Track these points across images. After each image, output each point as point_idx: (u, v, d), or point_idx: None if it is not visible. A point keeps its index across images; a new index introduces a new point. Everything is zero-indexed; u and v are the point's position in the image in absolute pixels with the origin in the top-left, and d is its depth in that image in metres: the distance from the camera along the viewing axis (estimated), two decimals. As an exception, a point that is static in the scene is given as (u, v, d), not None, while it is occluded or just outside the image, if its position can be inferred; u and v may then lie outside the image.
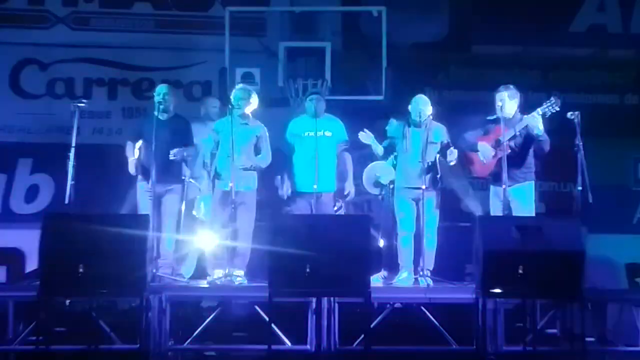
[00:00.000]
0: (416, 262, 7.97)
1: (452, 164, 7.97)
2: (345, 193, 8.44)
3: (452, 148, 7.90)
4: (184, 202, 8.27)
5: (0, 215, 10.06)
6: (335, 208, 8.55)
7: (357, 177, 8.64)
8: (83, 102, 8.16)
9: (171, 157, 7.88)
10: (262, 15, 10.21)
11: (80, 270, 6.46)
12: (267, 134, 8.08)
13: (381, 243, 8.45)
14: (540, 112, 7.70)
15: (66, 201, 7.74)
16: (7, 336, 7.29)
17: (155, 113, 8.07)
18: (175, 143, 8.01)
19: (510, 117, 7.83)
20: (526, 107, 7.92)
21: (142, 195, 8.06)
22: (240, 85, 8.38)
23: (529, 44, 10.26)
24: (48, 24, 10.28)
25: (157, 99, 8.10)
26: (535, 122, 7.68)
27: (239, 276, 7.80)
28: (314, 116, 8.12)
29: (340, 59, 9.66)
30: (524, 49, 10.30)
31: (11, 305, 7.34)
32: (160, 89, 8.18)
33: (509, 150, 7.75)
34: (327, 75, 9.35)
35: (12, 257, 9.56)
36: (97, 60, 10.26)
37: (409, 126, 8.09)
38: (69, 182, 7.75)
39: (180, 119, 8.26)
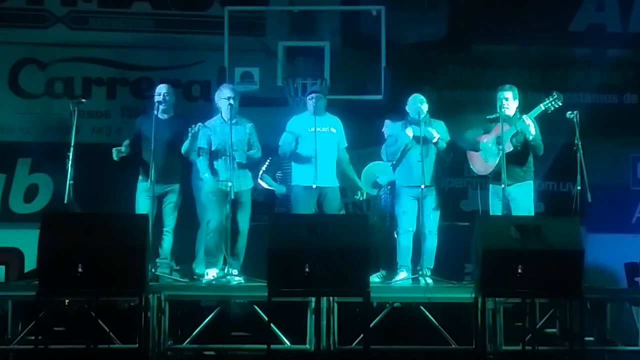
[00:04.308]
0: (416, 261, 7.98)
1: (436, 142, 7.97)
2: (361, 194, 8.43)
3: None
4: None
5: (-1, 215, 10.07)
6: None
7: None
8: (82, 100, 8.17)
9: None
10: (262, 14, 10.19)
11: (79, 269, 6.46)
12: (255, 129, 8.10)
13: None
14: (531, 118, 7.71)
15: (65, 201, 7.75)
16: (6, 336, 7.29)
17: (155, 112, 8.09)
18: (176, 143, 8.02)
19: (511, 116, 7.85)
20: (525, 107, 7.93)
21: (141, 195, 8.08)
22: (227, 84, 8.38)
23: (528, 43, 10.25)
24: (47, 24, 10.27)
25: (157, 98, 8.12)
26: (526, 126, 7.68)
27: (236, 275, 7.82)
28: (315, 114, 8.12)
29: (339, 59, 9.64)
30: (523, 49, 10.29)
31: (10, 305, 7.35)
32: (161, 89, 8.19)
33: (511, 148, 7.76)
34: (326, 75, 9.34)
35: (11, 256, 9.57)
36: (96, 60, 10.24)
37: (408, 125, 8.11)
38: (68, 181, 7.77)
39: (181, 119, 8.26)
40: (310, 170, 7.99)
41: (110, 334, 7.04)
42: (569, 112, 7.78)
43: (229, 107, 7.91)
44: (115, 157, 8.06)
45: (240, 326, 7.63)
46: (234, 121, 7.96)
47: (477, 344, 7.03)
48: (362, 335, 6.90)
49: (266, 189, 8.76)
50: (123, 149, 8.08)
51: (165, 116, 8.14)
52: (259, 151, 8.12)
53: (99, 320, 6.97)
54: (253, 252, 7.91)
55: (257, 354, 7.13)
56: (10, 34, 10.20)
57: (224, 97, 7.99)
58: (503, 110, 7.82)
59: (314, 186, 7.96)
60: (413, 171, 7.99)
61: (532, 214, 7.95)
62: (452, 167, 8.61)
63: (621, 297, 7.83)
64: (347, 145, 8.33)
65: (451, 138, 8.10)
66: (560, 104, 7.78)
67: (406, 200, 8.04)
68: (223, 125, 7.96)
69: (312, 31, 9.99)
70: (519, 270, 6.57)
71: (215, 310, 7.32)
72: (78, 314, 7.23)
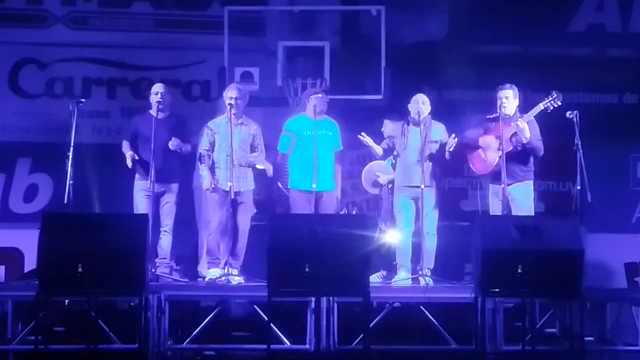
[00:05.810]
0: (416, 261, 7.98)
1: (450, 149, 7.95)
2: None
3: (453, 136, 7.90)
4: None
5: (-1, 215, 10.06)
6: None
7: (356, 177, 8.65)
8: (82, 101, 8.18)
9: (171, 147, 7.91)
10: (261, 14, 10.19)
11: (79, 269, 6.46)
12: (260, 131, 8.10)
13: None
14: (527, 119, 7.73)
15: (65, 201, 7.75)
16: (6, 336, 7.29)
17: (153, 112, 8.10)
18: (174, 142, 8.04)
19: (511, 115, 7.85)
20: (525, 107, 7.93)
21: (139, 194, 8.08)
22: (234, 85, 8.39)
23: (528, 43, 10.26)
24: (47, 24, 10.27)
25: (156, 98, 8.13)
26: (522, 129, 7.68)
27: (237, 275, 7.82)
28: (314, 115, 8.11)
29: (339, 58, 9.65)
30: (523, 49, 10.29)
31: (10, 305, 7.34)
32: (157, 88, 8.21)
33: (511, 147, 7.76)
34: (326, 75, 9.36)
35: (11, 256, 9.56)
36: (96, 60, 10.24)
37: (408, 124, 8.11)
38: (68, 181, 7.77)
39: (177, 117, 8.29)
40: (309, 173, 7.98)
41: (110, 334, 7.03)
42: (569, 112, 7.78)
43: (229, 107, 7.93)
44: (129, 165, 8.05)
45: (240, 326, 7.63)
46: (239, 121, 7.98)
47: (477, 344, 7.03)
48: (362, 335, 6.90)
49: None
50: (136, 155, 8.06)
51: (162, 115, 8.15)
52: (262, 154, 8.12)
53: (99, 320, 6.97)
54: (253, 252, 7.92)
55: (257, 354, 7.13)
56: (10, 33, 10.20)
57: (227, 97, 8.01)
58: (503, 109, 7.82)
59: (314, 188, 7.95)
60: (411, 171, 8.00)
61: (532, 213, 7.95)
62: (452, 167, 8.60)
63: (621, 297, 7.83)
64: (341, 149, 8.31)
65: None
66: (560, 104, 7.79)
67: (403, 200, 8.04)
68: (226, 125, 7.97)
69: (312, 31, 10.00)
70: (519, 270, 6.57)
71: (215, 311, 7.31)
72: (78, 314, 7.22)
